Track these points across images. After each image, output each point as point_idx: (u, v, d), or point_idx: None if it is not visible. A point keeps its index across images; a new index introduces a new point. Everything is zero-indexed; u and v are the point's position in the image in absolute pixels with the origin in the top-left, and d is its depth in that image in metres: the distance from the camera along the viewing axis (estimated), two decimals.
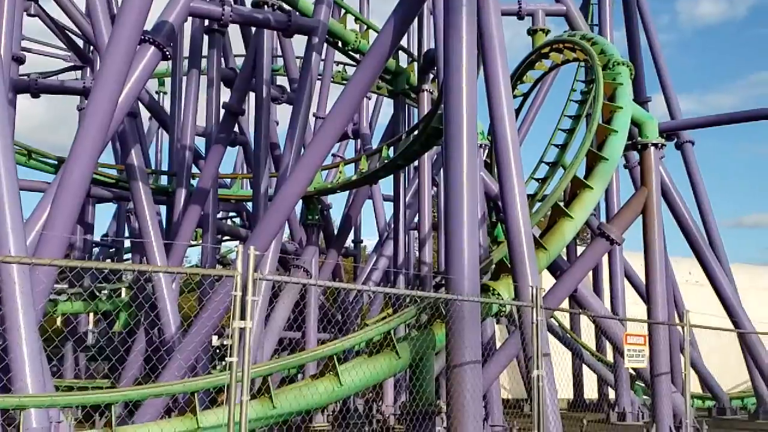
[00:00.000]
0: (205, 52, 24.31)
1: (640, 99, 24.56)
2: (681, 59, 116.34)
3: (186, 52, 25.55)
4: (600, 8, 26.34)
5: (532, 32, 24.01)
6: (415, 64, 24.59)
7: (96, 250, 33.98)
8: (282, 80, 30.17)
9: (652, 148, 16.13)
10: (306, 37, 19.96)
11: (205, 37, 23.98)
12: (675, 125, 26.10)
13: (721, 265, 24.62)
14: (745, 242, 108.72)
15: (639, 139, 16.33)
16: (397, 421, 18.64)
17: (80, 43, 29.94)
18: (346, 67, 31.77)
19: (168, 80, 31.48)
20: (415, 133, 18.95)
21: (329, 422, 17.19)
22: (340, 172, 23.69)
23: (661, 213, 16.40)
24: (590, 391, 28.31)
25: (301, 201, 21.75)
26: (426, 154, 20.86)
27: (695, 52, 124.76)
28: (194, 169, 24.72)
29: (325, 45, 22.60)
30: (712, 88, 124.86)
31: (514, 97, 16.97)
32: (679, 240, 23.86)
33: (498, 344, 18.79)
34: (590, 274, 24.08)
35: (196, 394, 9.84)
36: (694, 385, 24.68)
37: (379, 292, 10.85)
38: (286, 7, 20.78)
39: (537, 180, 18.72)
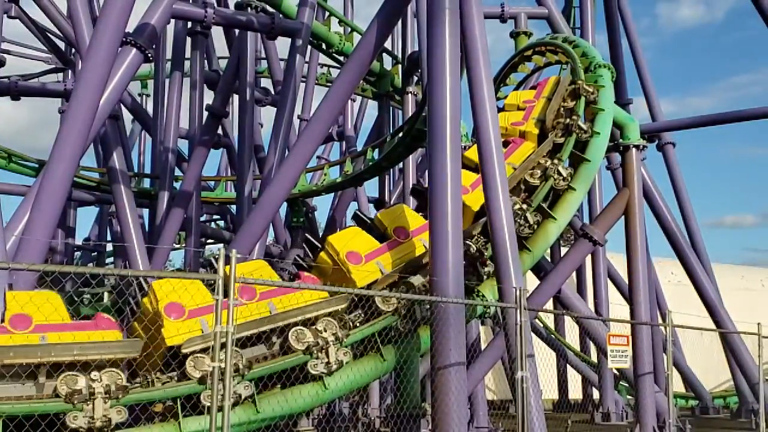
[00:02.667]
0: (188, 54, 24.22)
1: (622, 101, 24.68)
2: (661, 62, 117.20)
3: (169, 54, 25.45)
4: (582, 11, 26.46)
5: (514, 35, 24.13)
6: (400, 66, 24.62)
7: (78, 254, 33.73)
8: (266, 82, 30.14)
9: (634, 149, 16.23)
10: (290, 39, 19.94)
11: (188, 39, 23.88)
12: (656, 127, 26.25)
13: (702, 266, 24.77)
14: (726, 242, 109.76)
15: (621, 140, 16.41)
16: (382, 423, 18.62)
17: (61, 45, 29.70)
18: (331, 69, 31.74)
19: (151, 82, 31.39)
20: (400, 135, 18.96)
21: (314, 426, 17.13)
22: (325, 174, 23.68)
23: (643, 214, 16.49)
24: (575, 392, 28.39)
25: (285, 203, 21.71)
26: (410, 156, 20.87)
27: (675, 56, 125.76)
28: (177, 172, 24.60)
29: (309, 47, 22.57)
30: (691, 91, 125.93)
31: (498, 99, 17.00)
32: (662, 241, 24.02)
33: (483, 345, 18.83)
34: (574, 275, 24.14)
35: (178, 400, 9.74)
36: (677, 385, 24.82)
37: (363, 295, 10.83)
38: (270, 9, 20.75)
39: None
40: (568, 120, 15.37)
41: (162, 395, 9.78)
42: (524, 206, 13.71)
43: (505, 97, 17.68)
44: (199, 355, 9.82)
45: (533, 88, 17.84)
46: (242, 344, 10.19)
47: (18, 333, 9.14)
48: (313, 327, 10.74)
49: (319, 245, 12.64)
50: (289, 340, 10.55)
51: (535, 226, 13.68)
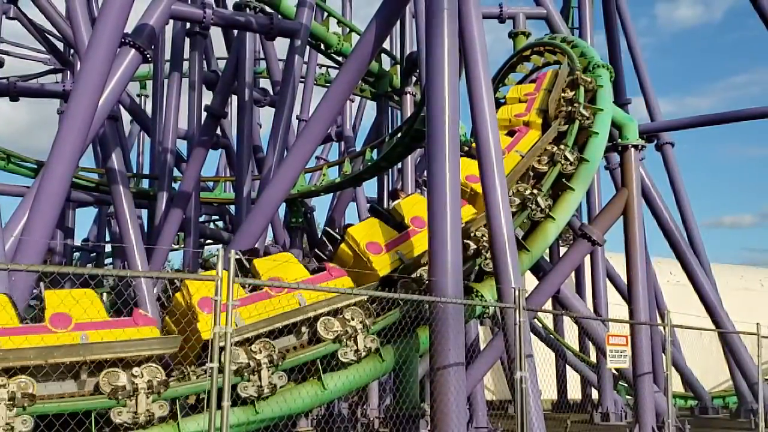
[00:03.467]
0: (186, 54, 24.21)
1: (621, 101, 24.69)
2: (659, 62, 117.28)
3: (167, 55, 25.44)
4: (580, 11, 26.47)
5: (513, 35, 24.15)
6: (398, 66, 24.62)
7: (76, 254, 33.72)
8: (265, 83, 30.14)
9: (633, 149, 16.23)
10: (288, 39, 19.94)
11: (187, 40, 23.87)
12: (655, 127, 26.25)
13: (701, 266, 24.78)
14: (725, 242, 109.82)
15: (619, 140, 16.42)
16: (381, 424, 18.61)
17: (60, 46, 29.72)
18: (329, 69, 31.76)
19: (149, 83, 31.35)
20: (399, 135, 18.96)
21: (313, 427, 17.13)
22: (324, 175, 23.67)
23: (641, 214, 16.50)
24: (574, 392, 28.39)
25: (284, 203, 21.70)
26: (409, 156, 20.87)
27: (673, 56, 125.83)
28: (176, 173, 24.59)
29: (308, 47, 22.58)
30: (690, 91, 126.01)
31: (496, 99, 17.03)
32: (661, 241, 24.02)
33: (483, 346, 18.83)
34: (572, 275, 24.16)
35: (177, 400, 9.76)
36: (677, 385, 24.82)
37: (362, 295, 10.85)
38: (268, 9, 20.75)
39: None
40: (570, 108, 15.62)
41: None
42: (535, 191, 13.95)
43: (505, 96, 17.76)
44: (234, 347, 9.99)
45: (533, 81, 18.08)
46: (274, 336, 10.49)
47: (59, 332, 9.30)
48: (341, 316, 10.96)
49: (339, 237, 12.84)
50: (318, 329, 10.76)
51: (547, 210, 13.92)
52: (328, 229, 14.59)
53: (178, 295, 10.88)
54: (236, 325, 9.99)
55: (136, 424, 9.29)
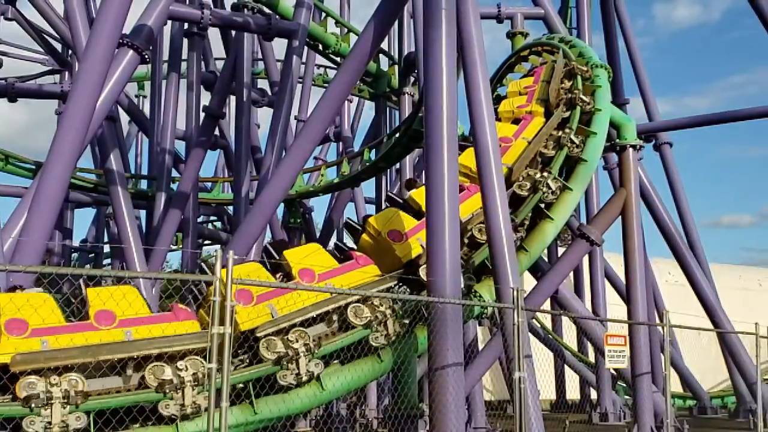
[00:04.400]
0: (184, 55, 24.21)
1: (619, 101, 24.70)
2: (657, 62, 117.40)
3: (166, 56, 25.43)
4: (578, 11, 26.50)
5: (511, 35, 24.16)
6: (396, 67, 24.64)
7: (75, 255, 33.70)
8: (263, 83, 30.14)
9: (631, 149, 16.23)
10: (286, 40, 19.93)
11: (185, 41, 23.87)
12: (653, 127, 26.28)
13: (700, 266, 24.80)
14: (723, 242, 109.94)
15: (618, 140, 16.42)
16: (380, 424, 18.62)
17: (58, 46, 29.71)
18: (327, 69, 31.77)
19: (147, 84, 31.33)
20: (397, 135, 18.97)
21: (312, 427, 17.13)
22: (322, 175, 23.70)
23: (640, 214, 16.50)
24: (573, 392, 28.41)
25: (282, 204, 21.70)
26: (407, 156, 20.87)
27: (671, 56, 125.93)
28: (174, 173, 24.58)
29: (306, 48, 22.58)
30: (688, 91, 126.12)
31: (494, 99, 17.04)
32: (659, 241, 24.05)
33: (481, 346, 18.82)
34: (571, 275, 24.18)
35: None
36: (675, 385, 24.83)
37: (360, 295, 10.87)
38: (266, 10, 20.75)
39: None
40: (570, 95, 15.89)
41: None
42: (545, 174, 14.15)
43: (504, 97, 17.80)
44: (271, 337, 10.38)
45: (531, 75, 18.24)
46: (307, 325, 10.80)
47: (104, 329, 9.52)
48: (369, 303, 11.17)
49: (360, 228, 13.03)
50: (348, 316, 11.06)
51: (558, 192, 14.13)
52: (349, 220, 14.85)
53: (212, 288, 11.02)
54: (272, 316, 10.43)
55: (184, 416, 9.53)
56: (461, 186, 14.48)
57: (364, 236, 12.79)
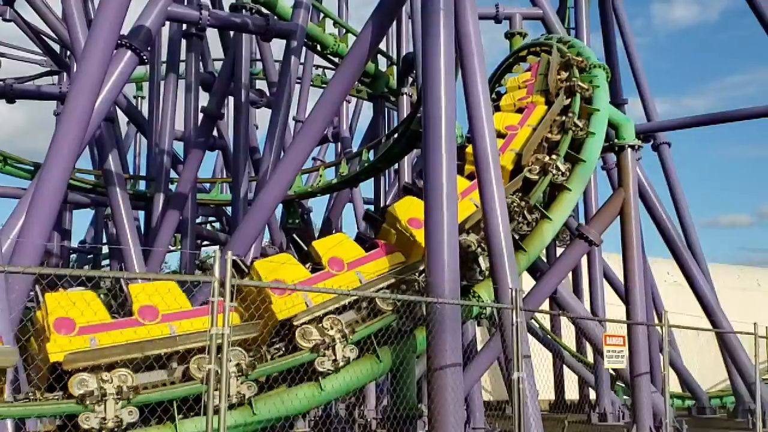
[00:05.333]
0: (183, 56, 24.19)
1: (617, 101, 24.72)
2: (655, 63, 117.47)
3: (164, 56, 25.41)
4: (576, 11, 26.49)
5: (509, 36, 24.16)
6: (394, 67, 24.63)
7: (73, 256, 33.67)
8: (261, 84, 30.11)
9: (629, 149, 16.24)
10: (285, 40, 19.93)
11: (183, 41, 23.85)
12: (651, 127, 26.28)
13: (698, 266, 24.79)
14: (721, 242, 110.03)
15: (616, 141, 16.44)
16: (379, 425, 18.61)
17: (57, 47, 29.68)
18: (326, 70, 31.73)
19: (146, 84, 31.32)
20: (395, 136, 18.96)
21: (311, 428, 17.12)
22: (321, 176, 23.67)
23: (638, 214, 16.50)
24: (571, 392, 28.41)
25: (281, 205, 21.69)
26: (406, 157, 20.87)
27: (669, 56, 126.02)
28: (173, 174, 24.56)
29: (304, 48, 22.57)
30: (686, 91, 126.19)
31: (492, 100, 17.05)
32: (657, 241, 24.07)
33: (480, 346, 18.82)
34: (569, 275, 24.17)
35: (174, 402, 9.78)
36: (674, 385, 24.84)
37: (359, 296, 10.88)
38: (264, 10, 20.73)
39: None
40: (568, 83, 16.24)
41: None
42: (554, 157, 14.45)
43: (503, 94, 17.89)
44: (306, 326, 10.72)
45: (527, 70, 18.53)
46: (338, 313, 11.14)
47: (148, 323, 9.77)
48: (399, 291, 11.51)
49: (380, 218, 13.35)
50: (377, 303, 11.37)
51: (568, 173, 14.45)
52: (368, 211, 15.28)
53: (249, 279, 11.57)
54: (307, 306, 10.75)
55: (231, 406, 9.75)
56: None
57: (385, 225, 13.05)
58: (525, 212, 13.70)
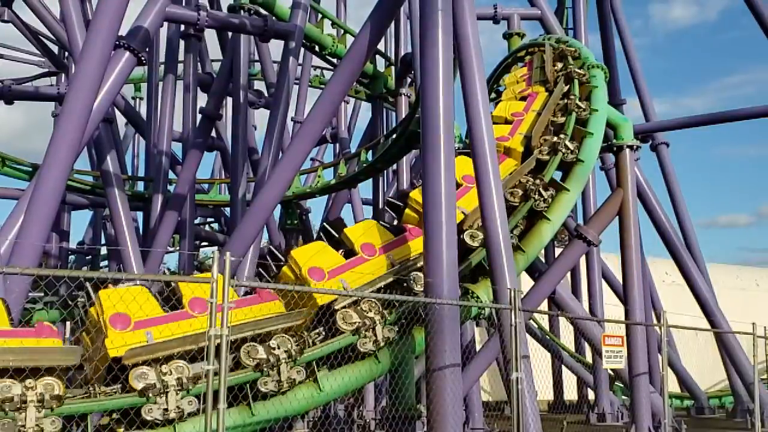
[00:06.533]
0: (181, 57, 24.18)
1: (615, 101, 24.72)
2: (654, 63, 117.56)
3: (162, 57, 25.40)
4: (574, 12, 26.51)
5: (507, 36, 24.18)
6: (393, 68, 24.63)
7: (72, 257, 33.64)
8: (259, 84, 30.10)
9: (628, 149, 16.25)
10: (283, 41, 19.91)
11: (182, 42, 23.84)
12: (650, 127, 26.27)
13: (697, 266, 24.79)
14: (720, 242, 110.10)
15: (614, 141, 16.45)
16: (377, 425, 18.60)
17: (55, 48, 29.68)
18: (324, 71, 31.72)
19: (144, 85, 31.31)
20: (394, 136, 18.96)
21: (309, 428, 17.11)
22: (319, 176, 23.66)
23: (637, 214, 16.51)
24: (570, 393, 28.41)
25: (279, 205, 21.68)
26: (404, 157, 20.87)
27: (668, 56, 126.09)
28: (171, 175, 24.54)
29: (303, 49, 22.55)
30: (684, 91, 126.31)
31: (491, 100, 17.07)
32: (656, 241, 24.09)
33: (478, 347, 18.83)
34: (568, 275, 24.17)
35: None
36: (673, 385, 24.84)
37: (358, 296, 10.90)
38: (263, 11, 20.72)
39: None
40: (565, 71, 17.02)
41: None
42: (562, 136, 15.08)
43: (499, 96, 17.95)
44: (345, 309, 11.17)
45: (523, 66, 19.10)
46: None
47: (199, 315, 9.82)
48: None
49: (402, 204, 13.66)
50: (411, 284, 11.91)
51: (577, 152, 14.99)
52: (389, 198, 15.65)
53: (285, 268, 11.94)
54: (344, 287, 11.15)
55: (281, 391, 10.21)
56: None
57: (408, 211, 13.38)
58: (541, 189, 14.14)
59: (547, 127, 15.58)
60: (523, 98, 16.98)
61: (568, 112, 15.73)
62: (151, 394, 9.37)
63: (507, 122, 15.82)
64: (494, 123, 14.73)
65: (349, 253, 12.06)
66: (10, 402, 8.49)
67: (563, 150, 14.83)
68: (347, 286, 11.19)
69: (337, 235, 12.49)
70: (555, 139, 15.00)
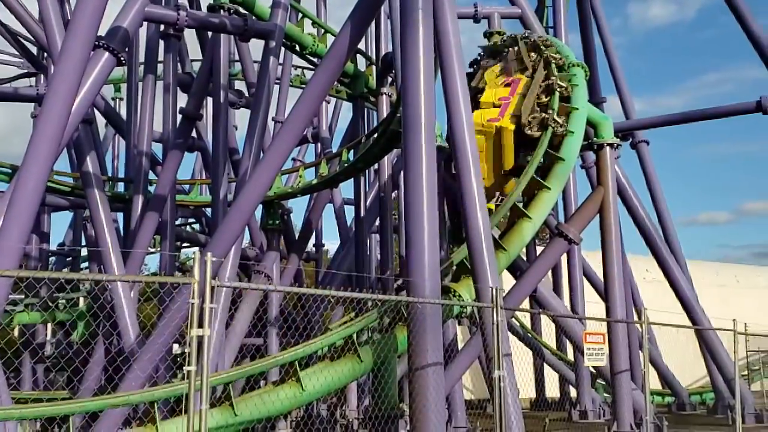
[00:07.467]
0: (161, 57, 24.03)
1: (596, 100, 24.85)
2: (632, 62, 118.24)
3: (142, 58, 25.24)
4: (554, 10, 26.64)
5: (488, 35, 24.21)
6: (374, 67, 24.61)
7: (52, 259, 33.38)
8: (240, 84, 29.98)
9: (608, 148, 16.35)
10: (263, 41, 19.84)
11: (161, 42, 23.69)
12: (630, 125, 26.44)
13: (677, 263, 24.96)
14: (700, 239, 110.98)
15: (595, 139, 16.54)
16: (360, 425, 18.59)
17: (34, 49, 29.42)
18: (305, 70, 31.64)
19: (124, 86, 31.09)
20: (375, 136, 18.95)
21: (292, 428, 17.08)
22: (300, 176, 23.59)
23: (617, 212, 16.62)
24: (552, 390, 28.54)
25: (261, 206, 21.61)
26: (386, 157, 20.87)
27: (646, 55, 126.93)
28: (151, 176, 24.39)
29: (283, 49, 22.49)
30: (662, 90, 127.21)
31: (472, 98, 17.10)
32: (636, 238, 24.26)
33: (460, 345, 18.86)
34: (549, 273, 24.27)
35: (155, 404, 9.73)
36: (654, 382, 25.00)
37: (340, 297, 10.84)
38: (242, 11, 20.63)
39: None
40: (542, 57, 17.75)
41: (140, 399, 9.97)
42: (549, 111, 15.90)
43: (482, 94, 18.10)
44: None
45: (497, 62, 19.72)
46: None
47: None
48: None
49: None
50: None
51: (566, 125, 15.80)
52: None
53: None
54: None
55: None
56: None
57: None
58: (556, 117, 15.29)
59: (533, 107, 16.28)
60: (507, 85, 17.58)
61: (552, 92, 16.44)
62: None
63: (495, 106, 16.70)
64: (483, 108, 16.15)
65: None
66: None
67: (552, 124, 15.59)
68: None
69: None
70: (544, 115, 15.79)
